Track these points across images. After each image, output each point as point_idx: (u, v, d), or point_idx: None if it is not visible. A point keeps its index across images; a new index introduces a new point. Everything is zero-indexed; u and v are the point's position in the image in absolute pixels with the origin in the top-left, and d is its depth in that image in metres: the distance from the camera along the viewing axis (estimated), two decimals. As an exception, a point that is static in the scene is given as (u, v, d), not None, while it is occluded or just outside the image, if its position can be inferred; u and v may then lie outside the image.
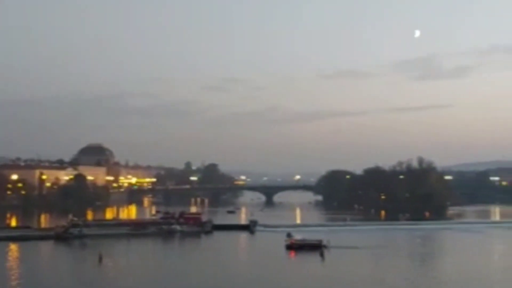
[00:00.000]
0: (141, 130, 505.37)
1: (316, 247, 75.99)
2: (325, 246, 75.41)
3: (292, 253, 75.85)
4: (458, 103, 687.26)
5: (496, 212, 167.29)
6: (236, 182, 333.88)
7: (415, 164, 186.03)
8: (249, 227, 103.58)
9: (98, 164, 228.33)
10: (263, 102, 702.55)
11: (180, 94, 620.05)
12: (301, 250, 76.33)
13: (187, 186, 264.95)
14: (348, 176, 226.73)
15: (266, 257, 72.50)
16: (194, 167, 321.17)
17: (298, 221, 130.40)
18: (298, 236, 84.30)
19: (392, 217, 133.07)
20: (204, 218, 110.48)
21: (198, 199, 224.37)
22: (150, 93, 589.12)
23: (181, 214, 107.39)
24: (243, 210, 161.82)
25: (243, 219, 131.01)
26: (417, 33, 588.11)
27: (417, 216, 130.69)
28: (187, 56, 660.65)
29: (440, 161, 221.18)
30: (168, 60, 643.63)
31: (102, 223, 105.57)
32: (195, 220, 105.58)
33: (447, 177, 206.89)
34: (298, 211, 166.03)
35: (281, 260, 71.10)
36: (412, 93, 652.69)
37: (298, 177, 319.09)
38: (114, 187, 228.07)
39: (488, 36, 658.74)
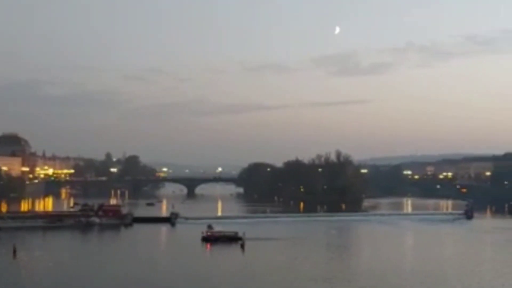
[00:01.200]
0: (59, 119, 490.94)
1: (231, 239, 77.61)
2: (240, 238, 76.88)
3: (208, 245, 76.68)
4: (375, 99, 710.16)
5: (408, 204, 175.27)
6: (158, 174, 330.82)
7: (333, 157, 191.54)
8: (170, 220, 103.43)
9: (13, 154, 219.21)
10: (187, 94, 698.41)
11: (102, 83, 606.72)
12: (217, 242, 77.47)
13: (104, 178, 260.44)
14: (269, 169, 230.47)
15: (182, 250, 73.09)
16: (114, 159, 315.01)
17: (219, 213, 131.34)
18: (218, 228, 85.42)
19: (310, 209, 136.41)
20: (124, 210, 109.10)
21: (118, 191, 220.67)
22: (69, 81, 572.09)
23: (100, 206, 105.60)
24: (165, 202, 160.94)
25: (164, 211, 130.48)
26: (337, 30, 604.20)
27: (334, 208, 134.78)
28: (110, 44, 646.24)
29: (357, 155, 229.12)
30: (89, 48, 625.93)
31: (16, 215, 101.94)
32: (114, 212, 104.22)
33: (363, 170, 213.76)
34: (219, 203, 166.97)
35: (196, 253, 71.70)
36: (331, 88, 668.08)
37: (220, 169, 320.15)
38: (30, 179, 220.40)
39: (404, 34, 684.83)
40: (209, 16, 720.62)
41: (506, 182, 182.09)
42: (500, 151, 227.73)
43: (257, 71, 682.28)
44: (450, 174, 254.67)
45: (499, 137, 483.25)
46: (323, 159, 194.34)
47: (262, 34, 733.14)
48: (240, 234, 77.95)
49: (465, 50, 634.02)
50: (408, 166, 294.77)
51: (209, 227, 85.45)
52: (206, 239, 78.97)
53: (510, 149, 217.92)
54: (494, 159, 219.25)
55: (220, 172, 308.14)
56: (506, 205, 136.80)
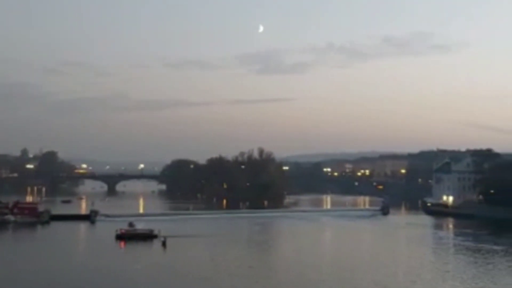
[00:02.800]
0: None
1: (147, 237, 77.04)
2: (155, 236, 76.34)
3: (122, 243, 75.68)
4: (297, 97, 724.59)
5: (327, 201, 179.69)
6: (77, 171, 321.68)
7: (255, 154, 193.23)
8: (89, 217, 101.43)
9: None
10: (108, 88, 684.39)
11: (18, 76, 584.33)
12: (132, 240, 76.70)
13: (15, 175, 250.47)
14: (192, 166, 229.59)
15: (95, 248, 72.16)
16: (31, 155, 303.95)
17: (141, 211, 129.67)
18: (140, 226, 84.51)
19: (233, 205, 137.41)
20: (41, 208, 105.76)
21: (35, 188, 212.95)
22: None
23: (15, 204, 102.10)
24: (84, 199, 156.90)
25: (84, 209, 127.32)
26: (261, 28, 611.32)
27: (256, 205, 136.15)
28: (28, 36, 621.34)
29: (278, 152, 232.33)
30: (5, 39, 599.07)
31: None
32: (30, 210, 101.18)
33: (285, 168, 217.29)
34: (141, 201, 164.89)
35: (110, 251, 70.56)
36: (254, 86, 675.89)
37: (142, 166, 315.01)
38: None
39: (325, 35, 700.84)
40: (132, 11, 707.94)
41: (420, 179, 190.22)
42: (415, 150, 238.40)
43: (179, 67, 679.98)
44: (367, 171, 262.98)
45: (415, 136, 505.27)
46: (246, 156, 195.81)
47: (185, 30, 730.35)
48: (156, 232, 77.51)
49: (382, 52, 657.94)
50: (327, 163, 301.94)
51: (130, 224, 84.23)
52: (120, 237, 77.77)
53: (425, 148, 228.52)
54: (409, 157, 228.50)
55: (142, 169, 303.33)
56: (420, 202, 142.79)
